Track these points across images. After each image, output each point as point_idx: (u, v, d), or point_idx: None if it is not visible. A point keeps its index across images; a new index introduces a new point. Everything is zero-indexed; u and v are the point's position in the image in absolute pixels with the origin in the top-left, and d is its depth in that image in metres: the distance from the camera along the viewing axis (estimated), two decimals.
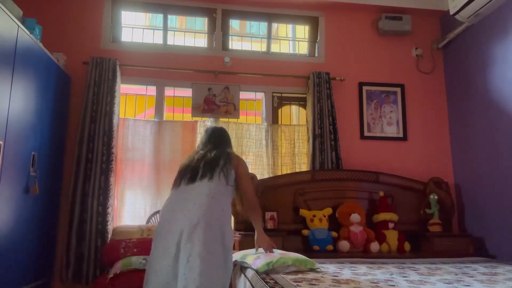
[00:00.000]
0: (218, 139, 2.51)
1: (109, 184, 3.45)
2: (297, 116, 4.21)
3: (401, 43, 4.33)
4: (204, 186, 2.20)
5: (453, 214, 3.79)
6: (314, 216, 3.42)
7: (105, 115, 3.55)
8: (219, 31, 4.11)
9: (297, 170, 3.86)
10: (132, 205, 3.63)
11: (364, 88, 4.18)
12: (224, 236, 2.12)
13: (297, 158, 3.92)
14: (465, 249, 3.42)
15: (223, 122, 3.87)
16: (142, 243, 3.08)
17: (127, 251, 3.02)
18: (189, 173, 2.28)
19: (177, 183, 2.31)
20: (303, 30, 4.48)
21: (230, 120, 3.92)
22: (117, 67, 3.69)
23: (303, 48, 4.39)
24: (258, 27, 4.58)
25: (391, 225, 3.49)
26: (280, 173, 3.81)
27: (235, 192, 2.38)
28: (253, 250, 2.61)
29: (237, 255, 2.65)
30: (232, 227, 2.43)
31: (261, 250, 2.52)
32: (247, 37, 4.53)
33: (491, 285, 2.00)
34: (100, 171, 3.44)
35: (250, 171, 3.72)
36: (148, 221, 3.53)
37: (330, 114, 3.89)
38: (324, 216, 3.43)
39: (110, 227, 3.42)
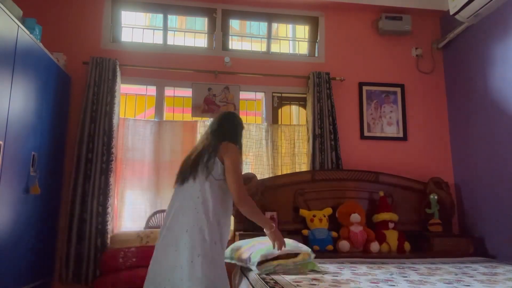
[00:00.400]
0: (217, 128, 2.28)
1: (109, 184, 3.45)
2: (297, 116, 4.21)
3: (401, 43, 4.33)
4: (190, 188, 2.11)
5: (453, 214, 3.79)
6: (314, 216, 3.42)
7: (105, 115, 3.55)
8: (219, 31, 4.11)
9: (297, 170, 3.86)
10: (132, 205, 3.63)
11: (364, 88, 4.18)
12: (194, 242, 1.98)
13: (297, 158, 3.92)
14: (465, 249, 3.42)
15: None
16: (142, 252, 3.10)
17: (126, 261, 3.04)
18: (180, 173, 2.19)
19: (175, 182, 2.22)
20: (303, 30, 4.48)
21: None
22: (117, 67, 3.69)
23: (303, 48, 4.39)
24: (258, 27, 4.57)
25: (391, 225, 3.49)
26: (280, 173, 3.81)
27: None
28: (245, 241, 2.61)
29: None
30: (227, 222, 2.18)
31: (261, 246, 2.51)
32: (247, 37, 4.53)
33: (491, 285, 2.01)
34: (100, 171, 3.43)
35: (250, 171, 3.75)
36: (148, 222, 3.54)
37: (330, 114, 3.89)
38: (324, 216, 3.43)
39: (110, 227, 3.42)
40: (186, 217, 2.04)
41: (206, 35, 4.22)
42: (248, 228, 3.32)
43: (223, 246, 2.10)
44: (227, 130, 2.27)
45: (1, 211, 2.45)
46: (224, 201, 2.12)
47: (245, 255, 2.43)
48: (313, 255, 2.44)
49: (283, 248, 2.26)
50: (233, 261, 2.60)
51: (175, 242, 2.00)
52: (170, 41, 4.12)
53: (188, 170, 2.14)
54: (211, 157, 2.11)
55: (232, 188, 2.08)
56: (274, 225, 2.26)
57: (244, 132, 3.78)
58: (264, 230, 2.26)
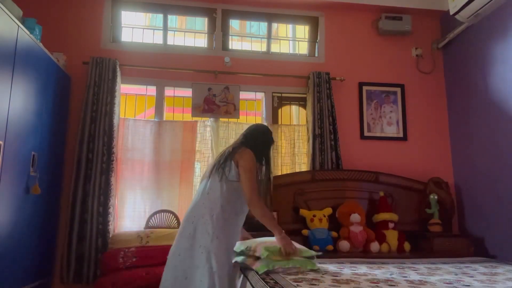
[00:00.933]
0: (243, 137, 2.48)
1: (110, 184, 3.45)
2: (297, 116, 4.21)
3: (401, 43, 4.33)
4: (204, 185, 2.33)
5: (453, 214, 3.79)
6: (314, 216, 3.42)
7: (105, 115, 3.55)
8: (219, 31, 4.11)
9: (297, 170, 3.86)
10: (132, 205, 3.63)
11: (364, 88, 4.18)
12: (196, 233, 2.19)
13: (297, 158, 3.92)
14: (465, 249, 3.41)
15: (223, 122, 3.87)
16: (141, 252, 3.09)
17: (126, 261, 3.04)
18: (205, 173, 2.44)
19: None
20: (303, 30, 4.48)
21: (230, 120, 3.92)
22: (117, 67, 3.69)
23: (303, 48, 4.39)
24: (258, 27, 4.58)
25: (391, 225, 3.49)
26: (280, 173, 3.81)
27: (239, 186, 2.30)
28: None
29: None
30: (235, 221, 2.34)
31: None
32: (247, 37, 4.53)
33: (491, 285, 2.00)
34: (101, 171, 3.43)
35: None
36: (148, 222, 3.53)
37: (330, 114, 3.89)
38: (324, 216, 3.43)
39: (111, 227, 3.42)
40: (195, 210, 2.25)
41: (206, 35, 4.22)
42: (249, 229, 3.31)
43: (228, 242, 2.25)
44: (249, 139, 2.46)
45: (1, 211, 2.45)
46: (234, 201, 2.28)
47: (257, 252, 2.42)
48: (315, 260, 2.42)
49: (291, 256, 2.26)
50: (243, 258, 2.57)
51: (182, 230, 2.24)
52: (170, 41, 4.12)
53: (208, 170, 2.39)
54: (226, 160, 2.32)
55: (244, 190, 2.24)
56: (283, 231, 2.30)
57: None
58: (274, 235, 2.31)
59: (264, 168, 2.49)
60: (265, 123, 3.96)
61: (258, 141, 2.47)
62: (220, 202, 2.24)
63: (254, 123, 2.75)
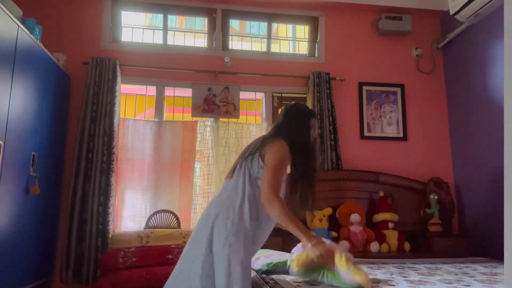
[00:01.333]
0: (275, 124, 2.10)
1: (110, 184, 3.44)
2: None
3: (401, 43, 4.33)
4: (227, 182, 1.97)
5: (453, 214, 3.79)
6: (314, 216, 3.41)
7: (105, 115, 3.55)
8: (219, 31, 4.11)
9: None
10: (132, 205, 3.63)
11: (364, 88, 4.18)
12: (213, 238, 1.78)
13: None
14: (465, 249, 3.41)
15: (223, 122, 3.86)
16: (141, 252, 3.09)
17: (126, 261, 3.03)
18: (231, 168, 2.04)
19: None
20: (303, 30, 4.48)
21: (230, 120, 3.92)
22: (117, 67, 3.69)
23: (303, 48, 4.39)
24: (258, 27, 4.58)
25: (391, 225, 3.49)
26: None
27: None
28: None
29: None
30: (259, 224, 1.86)
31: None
32: (247, 37, 4.53)
33: (491, 285, 2.01)
34: (101, 171, 3.43)
35: None
36: (148, 222, 3.53)
37: (330, 114, 3.89)
38: (324, 216, 3.43)
39: (111, 227, 3.42)
40: (212, 210, 1.87)
41: (206, 35, 4.22)
42: None
43: (245, 255, 1.76)
44: (282, 126, 2.05)
45: (1, 211, 2.45)
46: (261, 205, 1.86)
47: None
48: None
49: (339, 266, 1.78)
50: None
51: (195, 231, 1.87)
52: (170, 41, 4.12)
53: (234, 164, 2.01)
54: (252, 153, 1.93)
55: (262, 187, 1.83)
56: (315, 236, 1.82)
57: (244, 132, 3.71)
58: (301, 243, 1.88)
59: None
60: (265, 123, 3.96)
61: (289, 126, 2.03)
62: (239, 205, 1.82)
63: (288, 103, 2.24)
